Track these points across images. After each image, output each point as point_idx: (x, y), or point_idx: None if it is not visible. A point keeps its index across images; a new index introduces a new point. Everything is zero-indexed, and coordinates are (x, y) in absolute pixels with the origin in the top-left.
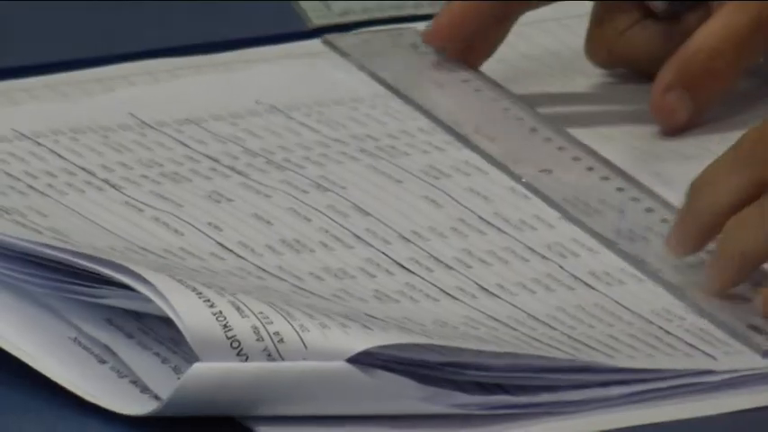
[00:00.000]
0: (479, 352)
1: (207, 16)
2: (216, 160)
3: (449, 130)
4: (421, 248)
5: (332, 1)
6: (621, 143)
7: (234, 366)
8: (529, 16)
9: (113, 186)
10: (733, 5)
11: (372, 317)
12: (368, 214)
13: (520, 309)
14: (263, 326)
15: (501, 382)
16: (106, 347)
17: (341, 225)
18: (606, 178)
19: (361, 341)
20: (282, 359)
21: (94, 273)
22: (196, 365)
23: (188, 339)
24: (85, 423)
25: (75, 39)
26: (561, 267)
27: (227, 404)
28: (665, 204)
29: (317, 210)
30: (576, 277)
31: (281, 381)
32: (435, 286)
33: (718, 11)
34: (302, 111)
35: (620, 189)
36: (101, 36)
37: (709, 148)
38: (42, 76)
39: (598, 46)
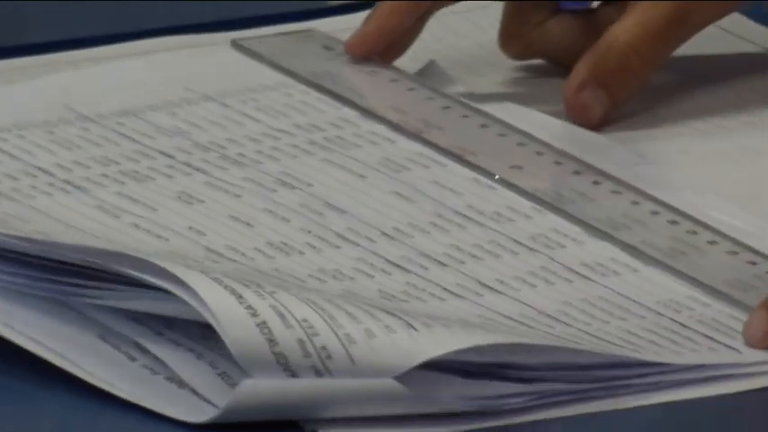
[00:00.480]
0: (524, 350)
1: None
2: (170, 156)
3: (390, 123)
4: (408, 246)
5: None
6: (566, 135)
7: (283, 384)
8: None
9: (78, 188)
10: (649, 2)
11: (411, 313)
12: (344, 212)
13: (528, 305)
14: (309, 338)
15: (544, 379)
16: (135, 344)
17: (320, 225)
18: (578, 172)
19: (409, 356)
20: (330, 374)
21: (104, 272)
22: (245, 382)
23: (234, 356)
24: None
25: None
26: (552, 259)
27: (276, 414)
28: (650, 197)
29: (291, 209)
30: (570, 269)
31: (330, 396)
32: (437, 284)
33: (633, 6)
34: (237, 98)
35: (596, 183)
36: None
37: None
38: None
39: (514, 38)
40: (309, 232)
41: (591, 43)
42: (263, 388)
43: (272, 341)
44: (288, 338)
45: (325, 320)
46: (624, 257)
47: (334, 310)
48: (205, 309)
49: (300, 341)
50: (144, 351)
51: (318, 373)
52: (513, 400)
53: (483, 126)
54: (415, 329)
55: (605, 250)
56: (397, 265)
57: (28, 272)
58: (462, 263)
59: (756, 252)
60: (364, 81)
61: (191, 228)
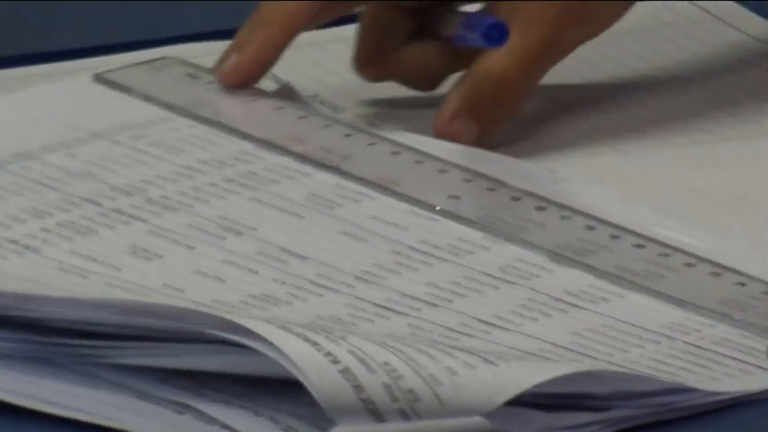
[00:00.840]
0: (589, 380)
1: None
2: (97, 203)
3: (295, 154)
4: (387, 288)
5: None
6: (475, 157)
7: (372, 430)
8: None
9: (27, 248)
10: (518, 28)
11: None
12: (305, 258)
13: (540, 339)
14: (394, 382)
15: (611, 407)
16: (178, 403)
17: (290, 273)
18: (516, 198)
19: (497, 392)
20: (419, 417)
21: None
22: (337, 429)
23: (321, 404)
24: None
25: None
26: (534, 290)
27: None
28: (601, 221)
29: (251, 259)
30: (557, 299)
31: None
32: (440, 325)
33: None
34: (125, 134)
35: (540, 208)
36: None
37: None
38: None
39: (371, 61)
40: (284, 283)
41: (449, 66)
42: None
43: (357, 387)
44: (373, 384)
45: (406, 362)
46: (602, 284)
47: (412, 350)
48: (285, 359)
49: (386, 385)
50: (190, 407)
51: (406, 417)
52: (589, 429)
53: (394, 153)
54: (495, 364)
55: (580, 278)
56: (389, 309)
57: (30, 336)
58: (450, 301)
59: (739, 272)
60: (248, 110)
61: (165, 285)
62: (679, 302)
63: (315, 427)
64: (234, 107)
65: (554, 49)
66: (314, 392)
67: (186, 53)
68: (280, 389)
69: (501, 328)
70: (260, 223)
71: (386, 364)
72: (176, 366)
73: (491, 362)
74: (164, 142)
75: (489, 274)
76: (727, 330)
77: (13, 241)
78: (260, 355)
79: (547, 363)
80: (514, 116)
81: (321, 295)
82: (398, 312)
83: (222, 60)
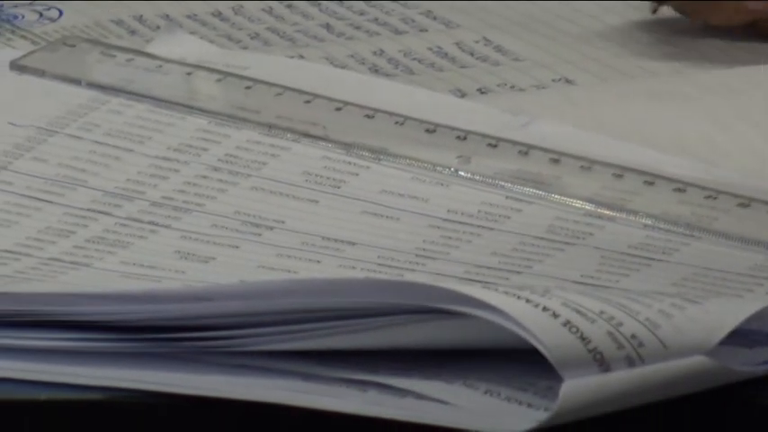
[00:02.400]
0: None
1: None
2: (107, 213)
3: (256, 124)
4: (458, 262)
5: None
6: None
7: (602, 380)
8: None
9: (74, 263)
10: None
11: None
12: (353, 243)
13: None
14: (616, 329)
15: None
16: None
17: (354, 259)
18: (524, 153)
19: (714, 329)
20: (643, 362)
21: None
22: (567, 385)
23: (552, 361)
24: None
25: None
26: (598, 248)
27: (591, 412)
28: (624, 168)
29: (303, 250)
30: (627, 254)
31: (647, 384)
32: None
33: None
34: (73, 126)
35: (554, 161)
36: None
37: None
38: None
39: None
40: (354, 268)
41: None
42: (583, 388)
43: (584, 339)
44: (597, 333)
45: (620, 309)
46: (658, 234)
47: (619, 297)
48: (508, 320)
49: (610, 333)
50: (369, 383)
51: (631, 363)
52: None
53: (368, 117)
54: (699, 303)
55: (633, 229)
56: (477, 281)
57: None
58: (530, 267)
59: None
60: (179, 83)
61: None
62: (749, 243)
63: (514, 389)
64: (167, 81)
65: None
66: (543, 350)
67: None
68: (453, 357)
69: (603, 287)
70: (281, 215)
71: (602, 312)
72: (342, 346)
73: (695, 301)
74: (119, 130)
75: (542, 237)
76: None
77: (56, 259)
78: (465, 322)
79: (737, 299)
80: None
81: (412, 270)
82: (489, 283)
83: None
